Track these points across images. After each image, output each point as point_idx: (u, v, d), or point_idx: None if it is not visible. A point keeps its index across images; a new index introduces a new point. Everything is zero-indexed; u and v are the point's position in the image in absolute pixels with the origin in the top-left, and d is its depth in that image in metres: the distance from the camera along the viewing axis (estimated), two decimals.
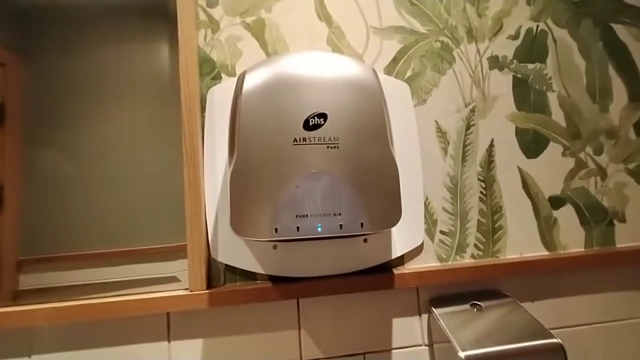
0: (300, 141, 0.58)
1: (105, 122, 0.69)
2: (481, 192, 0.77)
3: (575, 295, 0.75)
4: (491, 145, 0.79)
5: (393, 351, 0.71)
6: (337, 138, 0.59)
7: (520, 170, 0.79)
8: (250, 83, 0.59)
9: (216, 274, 0.68)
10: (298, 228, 0.57)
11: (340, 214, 0.58)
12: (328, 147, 0.59)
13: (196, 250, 0.66)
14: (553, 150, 0.80)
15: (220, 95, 0.70)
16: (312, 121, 0.59)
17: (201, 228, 0.67)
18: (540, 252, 0.76)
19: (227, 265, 0.68)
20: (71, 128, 0.67)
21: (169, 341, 0.67)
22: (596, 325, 0.75)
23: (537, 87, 0.81)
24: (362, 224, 0.59)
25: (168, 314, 0.66)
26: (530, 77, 0.81)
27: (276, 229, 0.57)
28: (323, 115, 0.59)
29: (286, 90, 0.59)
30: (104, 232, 0.66)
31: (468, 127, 0.79)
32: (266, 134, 0.58)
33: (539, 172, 0.79)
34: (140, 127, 0.70)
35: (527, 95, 0.81)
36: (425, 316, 0.72)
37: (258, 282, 0.68)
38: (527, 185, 0.78)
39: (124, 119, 0.70)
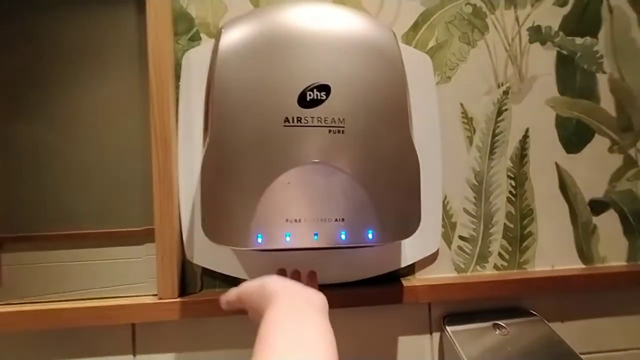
0: (293, 122, 0.39)
1: (75, 93, 0.52)
2: (510, 192, 0.58)
3: (612, 317, 0.58)
4: (525, 136, 0.59)
5: None
6: (343, 119, 0.39)
7: (557, 167, 0.59)
8: (227, 43, 0.39)
9: (192, 279, 0.52)
10: (288, 236, 0.39)
11: (343, 220, 0.40)
12: (330, 130, 0.39)
13: (167, 251, 0.48)
14: (598, 144, 0.59)
15: (199, 60, 0.49)
16: (310, 95, 0.39)
17: (173, 224, 0.49)
18: (575, 265, 0.58)
19: (204, 269, 0.51)
20: (39, 99, 0.52)
21: (134, 355, 0.50)
22: (633, 352, 0.57)
23: (585, 66, 0.59)
24: (370, 233, 0.40)
25: (133, 324, 0.50)
26: (578, 55, 0.59)
27: (260, 237, 0.38)
28: (325, 88, 0.39)
29: (276, 53, 0.39)
30: (74, 211, 0.52)
31: (499, 113, 0.58)
32: (248, 111, 0.39)
33: (579, 170, 0.59)
34: (115, 97, 0.53)
35: (572, 76, 0.59)
36: (437, 334, 0.55)
37: None
38: (564, 186, 0.59)
39: (95, 89, 0.53)
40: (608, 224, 0.58)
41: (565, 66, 0.58)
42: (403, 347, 0.54)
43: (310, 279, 0.40)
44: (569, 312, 0.56)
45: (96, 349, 0.49)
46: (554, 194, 0.57)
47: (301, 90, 0.37)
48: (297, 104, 0.37)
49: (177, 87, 0.50)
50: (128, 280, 0.50)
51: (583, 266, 0.57)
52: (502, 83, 0.56)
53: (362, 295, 0.51)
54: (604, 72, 0.59)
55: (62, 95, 0.52)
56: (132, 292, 0.49)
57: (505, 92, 0.56)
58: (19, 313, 0.46)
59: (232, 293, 0.34)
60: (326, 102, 0.37)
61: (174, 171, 0.48)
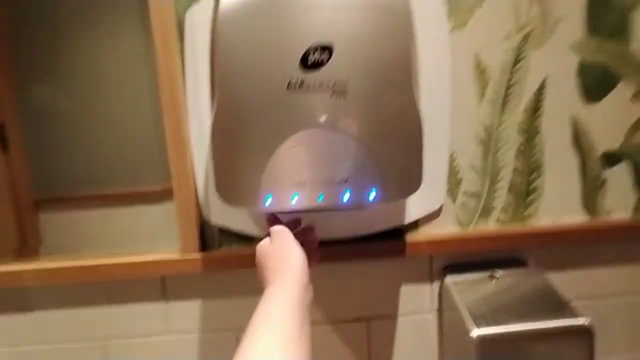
0: (296, 86, 0.37)
1: (89, 61, 0.53)
2: (519, 147, 0.55)
3: (609, 266, 0.57)
4: (542, 86, 0.53)
5: (399, 318, 0.58)
6: (346, 81, 0.37)
7: (573, 118, 0.54)
8: (227, 3, 0.36)
9: (210, 236, 0.54)
10: (294, 197, 0.39)
11: (346, 181, 0.39)
12: (333, 93, 0.37)
13: (185, 211, 0.50)
14: (621, 92, 0.53)
15: (202, 18, 0.44)
16: (312, 56, 0.36)
17: (189, 186, 0.50)
18: (579, 218, 0.56)
19: (221, 227, 0.52)
20: (57, 68, 0.52)
21: (166, 301, 0.55)
22: (627, 298, 0.58)
23: (620, 3, 0.51)
24: (373, 193, 0.40)
25: (163, 277, 0.54)
26: None
27: (268, 199, 0.39)
28: (327, 48, 0.36)
29: (277, 13, 0.36)
30: (100, 174, 0.55)
31: (517, 61, 0.52)
32: (251, 76, 0.37)
33: (597, 121, 0.54)
34: (124, 62, 0.52)
35: (603, 15, 0.51)
36: (437, 284, 0.57)
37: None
38: (578, 138, 0.55)
39: (106, 56, 0.52)
40: (618, 177, 0.55)
41: (597, 5, 0.50)
42: (404, 295, 0.56)
43: (307, 233, 0.42)
44: (568, 262, 0.56)
45: (133, 298, 0.54)
46: (566, 147, 0.54)
47: (303, 50, 0.35)
48: (299, 66, 0.35)
49: (181, 47, 0.47)
50: (151, 235, 0.53)
51: (587, 218, 0.55)
52: (523, 26, 0.50)
53: (367, 249, 0.52)
54: None
55: (78, 64, 0.51)
56: (157, 246, 0.52)
57: (525, 37, 0.50)
58: (61, 269, 0.51)
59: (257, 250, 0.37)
60: (329, 63, 0.35)
61: (186, 134, 0.48)
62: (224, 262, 0.51)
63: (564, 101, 0.52)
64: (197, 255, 0.50)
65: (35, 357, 0.55)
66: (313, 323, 0.58)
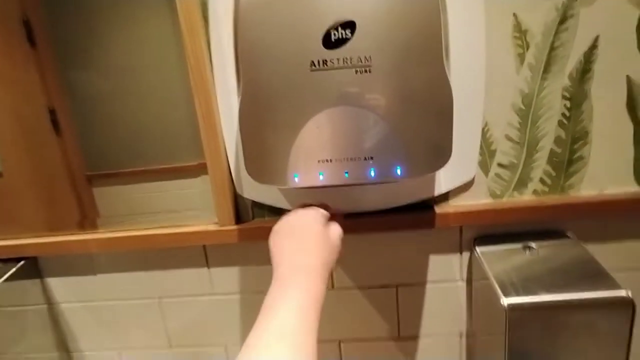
0: (319, 65, 0.36)
1: (123, 45, 0.54)
2: (563, 115, 0.50)
3: None
4: (593, 46, 0.47)
5: (428, 285, 0.58)
6: (369, 58, 0.35)
7: (629, 80, 0.48)
8: None
9: (244, 209, 0.56)
10: (321, 175, 0.40)
11: (371, 158, 0.39)
12: (357, 71, 0.36)
13: (219, 186, 0.53)
14: None
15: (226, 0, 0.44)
16: (334, 34, 0.35)
17: (222, 163, 0.52)
18: (628, 188, 0.51)
19: (254, 201, 0.55)
20: (97, 50, 0.54)
21: (208, 267, 0.60)
22: None
23: None
24: (398, 169, 0.39)
25: (204, 245, 0.58)
26: None
27: (296, 176, 0.40)
28: (350, 25, 0.35)
29: None
30: (142, 151, 0.58)
31: (563, 21, 0.47)
32: (274, 56, 0.36)
33: None
34: (154, 45, 0.53)
35: None
36: (466, 254, 0.55)
37: None
38: (633, 103, 0.48)
39: (137, 40, 0.53)
40: None
41: None
42: (433, 264, 0.56)
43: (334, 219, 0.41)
44: (611, 234, 0.52)
45: (180, 264, 0.59)
46: (618, 113, 0.48)
47: (326, 29, 0.33)
48: (322, 45, 0.34)
49: (207, 28, 0.48)
50: (190, 207, 0.57)
51: (637, 189, 0.50)
52: None
53: (396, 220, 0.52)
54: None
55: (114, 49, 0.53)
56: (196, 218, 0.56)
57: None
58: (117, 239, 0.57)
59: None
60: (352, 40, 0.33)
61: (216, 114, 0.50)
62: (257, 233, 0.53)
63: (620, 60, 0.46)
64: (233, 226, 0.53)
65: (102, 310, 0.62)
66: (343, 287, 0.61)
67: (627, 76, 0.47)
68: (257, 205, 0.55)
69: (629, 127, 0.48)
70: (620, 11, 0.44)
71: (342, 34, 0.33)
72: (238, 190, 0.53)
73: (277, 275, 0.33)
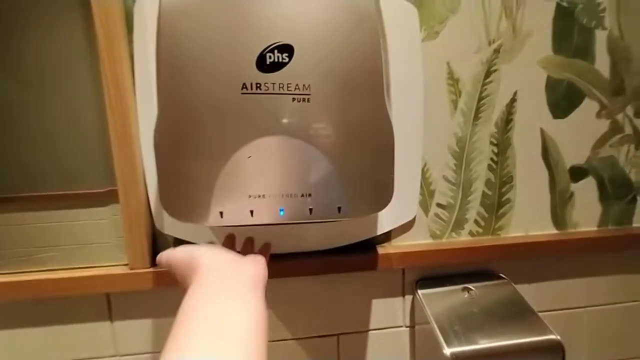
0: (252, 88, 0.32)
1: (24, 51, 0.44)
2: (491, 159, 0.53)
3: (577, 278, 0.57)
4: (513, 100, 0.52)
5: (370, 332, 0.54)
6: (308, 86, 0.32)
7: (542, 132, 0.54)
8: None
9: (164, 248, 0.40)
10: (252, 212, 0.34)
11: (309, 195, 0.35)
12: (294, 98, 0.33)
13: (134, 221, 0.44)
14: (587, 108, 0.54)
15: (153, 8, 0.37)
16: (270, 57, 0.32)
17: (138, 192, 0.44)
18: (548, 231, 0.56)
19: (177, 238, 0.47)
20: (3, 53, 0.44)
21: (111, 321, 0.49)
22: (592, 308, 0.58)
23: (584, 21, 0.52)
24: (339, 208, 0.36)
25: (107, 293, 0.47)
26: (579, 7, 0.51)
27: (221, 213, 0.34)
28: (287, 49, 0.32)
29: (231, 6, 0.31)
30: (39, 173, 0.47)
31: (488, 74, 0.51)
32: (200, 76, 0.31)
33: (564, 136, 0.54)
34: (65, 54, 0.44)
35: (569, 32, 0.51)
36: (409, 297, 0.54)
37: None
38: (547, 152, 0.54)
39: (41, 45, 0.44)
40: (585, 191, 0.55)
41: (564, 20, 0.50)
42: (376, 309, 0.53)
43: (263, 251, 0.37)
44: (537, 274, 0.55)
45: (75, 317, 0.47)
46: (535, 160, 0.53)
47: (260, 51, 0.30)
48: (255, 68, 0.31)
49: (130, 40, 0.42)
50: (96, 240, 0.47)
51: (555, 232, 0.55)
52: (494, 40, 0.47)
53: (337, 263, 0.49)
54: (603, 29, 0.50)
55: (15, 51, 0.44)
56: (103, 254, 0.46)
57: (496, 51, 0.47)
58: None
59: (164, 256, 0.31)
60: (289, 65, 0.31)
61: (135, 135, 0.42)
62: None
63: (534, 115, 0.51)
64: (147, 269, 0.44)
65: None
66: (279, 340, 0.53)
67: (541, 128, 0.50)
68: (180, 242, 0.46)
69: (545, 174, 0.52)
70: (532, 71, 0.49)
71: (278, 57, 0.30)
72: (157, 226, 0.44)
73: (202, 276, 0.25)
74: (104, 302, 0.46)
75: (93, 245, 0.47)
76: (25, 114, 0.46)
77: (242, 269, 0.26)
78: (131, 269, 0.44)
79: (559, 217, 0.54)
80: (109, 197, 0.45)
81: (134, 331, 0.47)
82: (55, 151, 0.46)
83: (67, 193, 0.47)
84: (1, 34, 0.44)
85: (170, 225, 0.45)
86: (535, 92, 0.51)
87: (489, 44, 0.48)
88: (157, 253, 0.45)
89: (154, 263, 0.45)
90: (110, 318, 0.47)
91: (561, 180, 0.53)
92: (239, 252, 0.32)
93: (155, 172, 0.42)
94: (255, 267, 0.27)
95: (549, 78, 0.50)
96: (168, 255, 0.30)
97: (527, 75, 0.50)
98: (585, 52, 0.50)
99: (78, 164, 0.46)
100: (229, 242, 0.38)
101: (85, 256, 0.46)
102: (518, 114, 0.50)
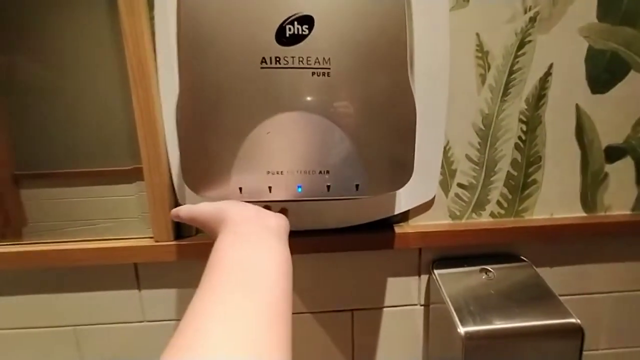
0: (271, 62, 0.31)
1: (52, 34, 0.45)
2: (519, 138, 0.50)
3: (600, 263, 0.54)
4: (547, 73, 0.48)
5: (384, 309, 0.54)
6: (328, 59, 0.31)
7: (578, 109, 0.49)
8: None
9: (185, 222, 0.40)
10: (270, 188, 0.34)
11: (327, 172, 0.34)
12: (314, 72, 0.31)
13: (158, 197, 0.45)
14: (631, 82, 0.48)
15: None
16: (289, 29, 0.30)
17: (161, 169, 0.45)
18: (576, 214, 0.52)
19: None
20: (34, 40, 0.46)
21: (139, 289, 0.51)
22: (614, 294, 0.55)
23: None
24: (357, 185, 0.35)
25: (135, 264, 0.49)
26: None
27: (240, 189, 0.34)
28: (307, 20, 0.30)
29: None
30: (72, 151, 0.49)
31: (521, 46, 0.47)
32: (219, 50, 0.30)
33: (602, 113, 0.49)
34: (88, 33, 0.45)
35: None
36: (425, 277, 0.53)
37: None
38: (581, 130, 0.50)
39: (67, 27, 0.45)
40: (621, 172, 0.51)
41: None
42: (391, 287, 0.53)
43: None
44: (561, 258, 0.53)
45: (107, 284, 0.50)
46: (568, 139, 0.49)
47: (279, 23, 0.29)
48: (275, 41, 0.29)
49: (152, 17, 0.41)
50: (123, 215, 0.49)
51: (584, 214, 0.52)
52: (530, 7, 0.43)
53: (354, 240, 0.48)
54: None
55: (42, 37, 0.45)
56: (130, 227, 0.48)
57: (532, 19, 0.43)
58: (34, 253, 0.46)
59: (184, 211, 0.32)
60: (309, 37, 0.29)
61: (158, 113, 0.43)
62: (200, 250, 0.46)
63: (570, 90, 0.47)
64: (171, 242, 0.46)
65: (5, 341, 0.50)
66: (295, 312, 0.54)
67: (577, 104, 0.46)
68: None
69: (577, 154, 0.49)
70: (572, 42, 0.45)
71: (298, 29, 0.28)
72: (180, 200, 0.45)
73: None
74: (132, 272, 0.49)
75: (121, 220, 0.49)
76: (55, 96, 0.47)
77: (267, 219, 0.27)
78: (156, 241, 0.45)
79: (589, 199, 0.51)
80: (134, 175, 0.47)
81: (160, 299, 0.50)
82: (84, 130, 0.48)
83: (96, 170, 0.49)
84: (31, 26, 0.44)
85: (192, 200, 0.46)
86: (573, 65, 0.46)
87: (525, 11, 0.44)
88: (179, 227, 0.46)
89: (177, 236, 0.47)
90: (139, 287, 0.49)
91: (595, 160, 0.49)
92: None
93: (178, 149, 0.43)
94: (277, 218, 0.28)
95: (590, 49, 0.46)
96: (191, 211, 0.30)
97: (565, 46, 0.45)
98: (634, 19, 0.45)
99: (106, 143, 0.48)
100: None
101: (114, 230, 0.47)
102: (552, 89, 0.47)
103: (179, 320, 0.52)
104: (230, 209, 0.27)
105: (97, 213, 0.49)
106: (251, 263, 0.22)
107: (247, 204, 0.29)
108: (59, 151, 0.48)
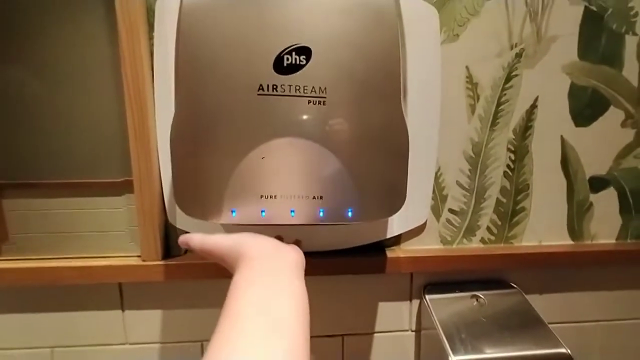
0: (268, 90, 0.32)
1: (47, 43, 0.45)
2: (508, 166, 0.51)
3: (590, 291, 0.55)
4: (533, 106, 0.50)
5: (375, 334, 0.53)
6: (324, 89, 0.32)
7: (563, 141, 0.51)
8: None
9: (175, 241, 0.40)
10: (263, 212, 0.34)
11: (321, 197, 0.34)
12: (310, 101, 0.32)
13: (147, 212, 0.45)
14: (612, 117, 0.51)
15: (174, 6, 0.37)
16: (287, 59, 0.31)
17: (152, 185, 0.44)
18: (563, 242, 0.54)
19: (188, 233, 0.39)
20: (23, 48, 0.45)
21: (122, 310, 0.49)
22: (603, 323, 0.56)
23: (614, 26, 0.49)
24: (350, 211, 0.35)
25: (120, 283, 0.48)
26: (609, 11, 0.48)
27: (234, 212, 0.34)
28: (305, 51, 0.31)
29: (250, 8, 0.31)
30: (60, 161, 0.48)
31: (508, 79, 0.49)
32: (218, 77, 0.31)
33: (586, 145, 0.51)
34: (86, 45, 0.45)
35: (597, 38, 0.49)
36: (416, 301, 0.53)
37: None
38: (566, 161, 0.52)
39: (64, 38, 0.45)
40: (605, 202, 0.53)
41: (592, 25, 0.48)
42: (382, 312, 0.52)
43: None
44: (550, 285, 0.53)
45: (88, 304, 0.48)
46: (554, 169, 0.51)
47: (277, 53, 0.30)
48: (272, 70, 0.30)
49: (151, 37, 0.42)
50: (110, 229, 0.48)
51: (570, 243, 0.53)
52: (516, 44, 0.45)
53: (346, 264, 0.48)
54: (634, 34, 0.48)
55: (38, 45, 0.45)
56: (117, 241, 0.47)
57: (519, 55, 0.45)
58: (14, 270, 0.45)
59: (196, 241, 0.31)
60: (306, 67, 0.30)
61: (152, 130, 0.43)
62: (188, 271, 0.45)
63: (555, 122, 0.49)
64: (159, 262, 0.45)
65: None
66: None
67: (561, 136, 0.48)
68: None
69: (563, 183, 0.50)
70: (556, 77, 0.47)
71: (295, 59, 0.29)
72: (170, 219, 0.44)
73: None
74: (117, 292, 0.47)
75: (108, 233, 0.48)
76: (48, 107, 0.47)
77: (285, 255, 0.27)
78: (143, 260, 0.44)
79: (575, 228, 0.52)
80: (124, 187, 0.46)
81: (144, 321, 0.48)
82: (75, 141, 0.47)
83: (85, 181, 0.48)
84: (27, 32, 0.45)
85: (182, 220, 0.45)
86: (557, 99, 0.48)
87: (511, 48, 0.46)
88: (169, 246, 0.45)
89: (165, 256, 0.46)
90: (122, 307, 0.48)
91: (580, 190, 0.51)
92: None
93: (170, 167, 0.43)
94: (295, 253, 0.28)
95: (572, 85, 0.48)
96: (204, 242, 0.30)
97: (549, 81, 0.48)
98: (613, 58, 0.48)
99: (97, 154, 0.47)
100: None
101: (100, 244, 0.46)
102: (538, 121, 0.48)
103: (162, 343, 0.50)
104: (247, 243, 0.27)
105: (83, 225, 0.48)
106: (268, 304, 0.22)
107: (264, 236, 0.29)
108: (45, 160, 0.47)
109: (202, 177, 0.31)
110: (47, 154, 0.47)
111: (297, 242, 0.38)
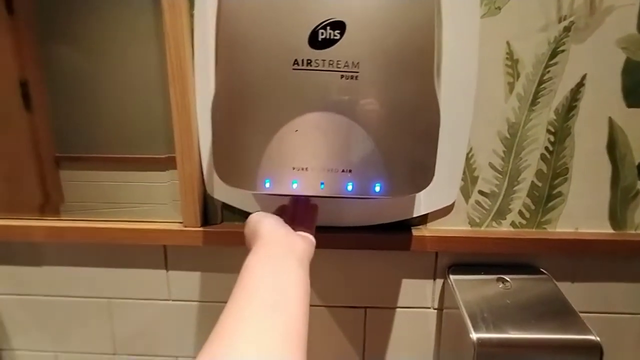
0: (303, 64, 0.32)
1: (99, 25, 0.49)
2: (546, 148, 0.49)
3: (627, 283, 0.52)
4: (580, 84, 0.46)
5: (397, 309, 0.54)
6: (357, 63, 0.32)
7: (611, 122, 0.47)
8: None
9: (213, 211, 0.52)
10: (295, 183, 0.35)
11: (350, 171, 0.35)
12: (343, 76, 0.32)
13: (188, 184, 0.48)
14: None
15: None
16: (322, 34, 0.32)
17: (193, 159, 0.47)
18: (603, 230, 0.50)
19: (224, 203, 0.50)
20: (77, 27, 0.49)
21: (166, 270, 0.54)
22: (638, 316, 0.52)
23: None
24: (378, 186, 0.36)
25: (164, 246, 0.53)
26: None
27: (267, 182, 0.36)
28: (339, 26, 0.31)
29: None
30: (110, 137, 0.53)
31: (553, 55, 0.46)
32: (254, 51, 0.32)
33: (638, 128, 0.47)
34: (132, 25, 0.48)
35: None
36: (440, 281, 0.53)
37: None
38: (613, 144, 0.48)
39: (113, 19, 0.48)
40: None
41: None
42: (405, 288, 0.53)
43: (307, 211, 0.39)
44: (584, 274, 0.51)
45: (138, 262, 0.54)
46: (598, 153, 0.47)
47: (313, 27, 0.30)
48: (307, 44, 0.31)
49: (191, 14, 0.44)
50: (155, 201, 0.52)
51: (612, 231, 0.50)
52: (565, 16, 0.42)
53: (372, 239, 0.49)
54: None
55: (93, 24, 0.49)
56: (159, 215, 0.51)
57: (567, 29, 0.42)
58: (68, 229, 0.51)
59: (252, 219, 0.35)
60: (340, 42, 0.31)
61: (192, 107, 0.45)
62: (225, 238, 0.49)
63: (603, 102, 0.46)
64: (198, 228, 0.49)
65: (42, 306, 0.56)
66: (311, 305, 0.56)
67: (610, 118, 0.45)
68: (227, 208, 0.51)
69: (607, 168, 0.47)
70: (608, 53, 0.43)
71: (330, 34, 0.30)
72: (208, 190, 0.48)
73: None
74: (162, 253, 0.52)
75: (153, 205, 0.52)
76: (98, 85, 0.51)
77: (294, 243, 0.30)
78: (185, 226, 0.49)
79: (618, 216, 0.49)
80: (168, 163, 0.50)
81: (185, 280, 0.53)
82: (123, 118, 0.51)
83: (133, 157, 0.52)
84: (80, 13, 0.48)
85: (219, 191, 0.49)
86: (608, 76, 0.45)
87: (559, 21, 0.43)
88: (207, 215, 0.49)
89: (204, 223, 0.50)
90: (166, 267, 0.53)
91: (627, 176, 0.47)
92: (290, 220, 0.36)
93: (209, 142, 0.46)
94: (303, 242, 0.31)
95: (628, 60, 0.44)
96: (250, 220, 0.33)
97: (601, 56, 0.44)
98: None
99: (142, 131, 0.51)
100: (280, 211, 0.40)
101: (145, 213, 0.51)
102: (584, 101, 0.45)
103: (201, 301, 0.55)
104: (264, 227, 0.31)
105: (130, 197, 0.52)
106: (277, 285, 0.25)
107: (279, 222, 0.32)
108: (98, 137, 0.52)
109: (240, 149, 0.34)
110: (99, 130, 0.52)
111: (314, 206, 0.40)
